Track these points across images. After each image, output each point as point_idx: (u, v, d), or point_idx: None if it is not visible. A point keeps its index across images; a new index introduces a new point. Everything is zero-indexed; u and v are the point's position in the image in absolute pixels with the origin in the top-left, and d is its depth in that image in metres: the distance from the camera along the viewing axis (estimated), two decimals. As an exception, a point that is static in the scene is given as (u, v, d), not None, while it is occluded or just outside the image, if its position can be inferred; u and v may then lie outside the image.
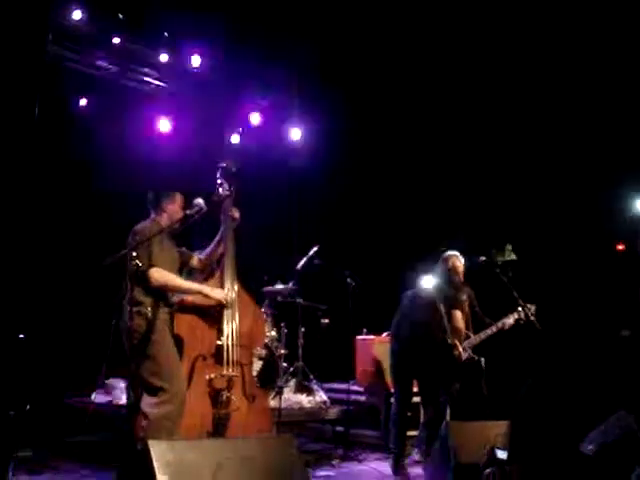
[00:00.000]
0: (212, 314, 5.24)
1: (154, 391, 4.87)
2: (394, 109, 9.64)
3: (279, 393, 7.23)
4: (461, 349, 6.63)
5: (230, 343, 5.19)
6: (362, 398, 8.26)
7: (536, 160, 8.51)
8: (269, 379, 7.65)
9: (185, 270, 5.84)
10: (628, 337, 7.58)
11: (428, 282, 6.82)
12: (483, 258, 6.89)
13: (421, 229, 9.13)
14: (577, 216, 8.19)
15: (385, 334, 7.97)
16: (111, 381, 7.20)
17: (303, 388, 8.18)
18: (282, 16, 9.61)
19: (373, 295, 7.85)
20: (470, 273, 7.03)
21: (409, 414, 6.80)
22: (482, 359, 6.75)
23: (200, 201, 5.31)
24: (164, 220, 5.36)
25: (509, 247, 7.13)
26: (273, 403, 7.34)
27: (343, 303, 7.57)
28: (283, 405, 7.22)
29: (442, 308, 6.57)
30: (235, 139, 10.21)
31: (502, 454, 3.72)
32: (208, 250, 5.62)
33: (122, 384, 6.93)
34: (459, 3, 8.68)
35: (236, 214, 5.73)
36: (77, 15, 8.08)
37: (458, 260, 6.87)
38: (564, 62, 8.27)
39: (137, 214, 5.43)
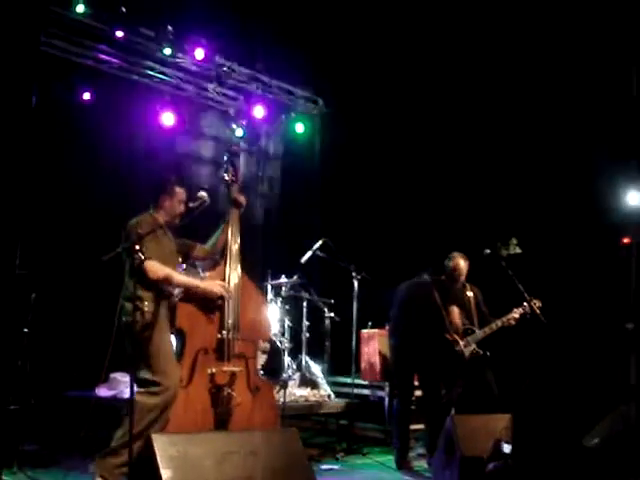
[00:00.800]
0: (214, 306, 5.17)
1: (145, 383, 4.82)
2: (401, 101, 9.61)
3: (283, 387, 7.22)
4: (462, 345, 6.62)
5: (232, 337, 5.13)
6: (366, 392, 8.25)
7: (541, 154, 8.48)
8: (273, 373, 7.63)
9: (189, 262, 5.83)
10: (632, 330, 7.55)
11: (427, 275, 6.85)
12: (488, 251, 6.88)
13: (426, 222, 9.10)
14: (582, 209, 8.16)
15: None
16: (115, 375, 7.19)
17: (307, 382, 8.18)
18: (285, 9, 9.60)
19: (378, 289, 7.82)
20: (476, 267, 7.04)
21: (412, 408, 6.80)
22: (487, 353, 6.74)
23: (204, 194, 5.29)
24: (161, 216, 5.26)
25: (514, 241, 7.10)
26: (277, 397, 7.34)
27: (348, 297, 7.55)
28: (287, 399, 7.23)
29: (439, 299, 6.57)
30: (239, 132, 10.21)
31: (507, 448, 3.71)
32: (214, 239, 5.52)
33: (126, 378, 6.92)
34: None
35: (242, 199, 5.60)
36: (80, 9, 8.07)
37: (462, 260, 6.87)
38: (564, 57, 8.24)
39: (141, 208, 5.40)
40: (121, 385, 7.13)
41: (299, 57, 9.92)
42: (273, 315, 8.06)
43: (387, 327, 7.37)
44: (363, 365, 8.32)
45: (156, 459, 3.94)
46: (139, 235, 4.77)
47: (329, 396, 8.03)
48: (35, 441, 6.48)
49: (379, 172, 9.89)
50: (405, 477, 6.27)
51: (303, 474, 4.43)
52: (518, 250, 7.01)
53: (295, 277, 8.33)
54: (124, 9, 8.39)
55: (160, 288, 5.01)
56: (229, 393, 4.97)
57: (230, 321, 5.15)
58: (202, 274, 5.71)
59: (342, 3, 9.55)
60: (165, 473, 3.91)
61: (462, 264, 6.84)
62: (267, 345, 7.67)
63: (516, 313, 6.80)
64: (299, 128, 10.68)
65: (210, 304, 5.15)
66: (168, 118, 9.40)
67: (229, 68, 9.70)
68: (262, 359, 7.61)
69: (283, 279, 8.33)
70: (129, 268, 4.93)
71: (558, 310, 6.98)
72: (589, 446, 4.75)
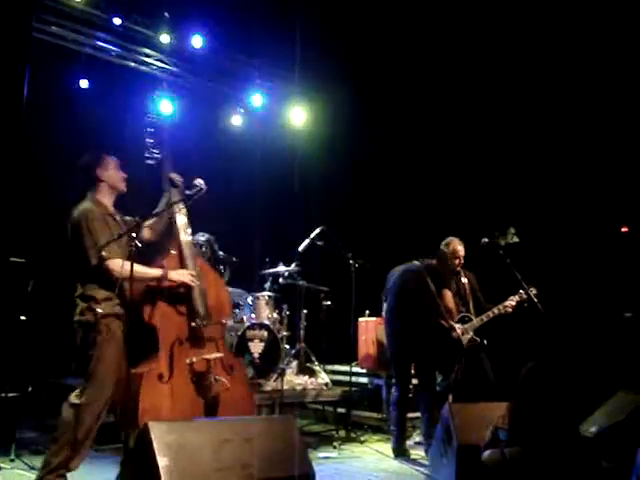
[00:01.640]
0: (180, 295, 5.06)
1: (81, 389, 4.68)
2: (399, 92, 9.60)
3: (281, 375, 7.23)
4: (459, 331, 6.62)
5: (205, 323, 5.05)
6: (364, 380, 8.28)
7: (539, 142, 8.47)
8: (271, 361, 7.64)
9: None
10: (630, 319, 7.56)
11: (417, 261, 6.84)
12: (486, 240, 6.87)
13: (424, 211, 9.10)
14: (581, 198, 8.16)
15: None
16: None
17: (305, 370, 8.19)
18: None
19: (375, 277, 7.81)
20: (473, 256, 7.03)
21: (410, 396, 6.81)
22: (485, 341, 6.75)
23: (200, 181, 5.22)
24: (104, 192, 4.96)
25: (512, 230, 7.09)
26: (275, 385, 7.35)
27: (345, 285, 7.55)
28: (285, 387, 7.24)
29: (432, 286, 6.54)
30: (236, 120, 10.19)
31: (504, 435, 3.71)
32: (151, 220, 5.17)
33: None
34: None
35: (177, 178, 5.31)
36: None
37: (460, 245, 6.87)
38: (563, 49, 8.23)
39: (140, 197, 5.36)
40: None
41: (297, 44, 9.90)
42: (270, 303, 8.06)
43: (383, 311, 7.35)
44: (360, 353, 8.33)
45: (153, 447, 3.94)
46: (90, 230, 4.64)
47: (326, 384, 8.04)
48: (33, 428, 6.49)
49: (377, 160, 9.87)
50: (402, 465, 6.28)
51: (300, 461, 4.42)
52: (516, 239, 7.01)
53: (293, 265, 8.32)
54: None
55: (115, 289, 4.71)
56: (215, 379, 4.94)
57: (202, 308, 5.06)
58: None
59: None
60: (162, 461, 3.90)
61: (459, 248, 6.84)
62: (265, 333, 7.67)
63: (513, 300, 6.80)
64: (297, 116, 10.64)
65: (175, 294, 5.02)
66: (166, 106, 9.37)
67: (227, 56, 9.67)
68: (260, 347, 7.61)
69: (281, 267, 8.33)
70: (83, 265, 4.70)
71: (556, 298, 6.98)
72: (587, 434, 4.76)
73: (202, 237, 7.81)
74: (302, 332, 8.37)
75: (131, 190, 5.16)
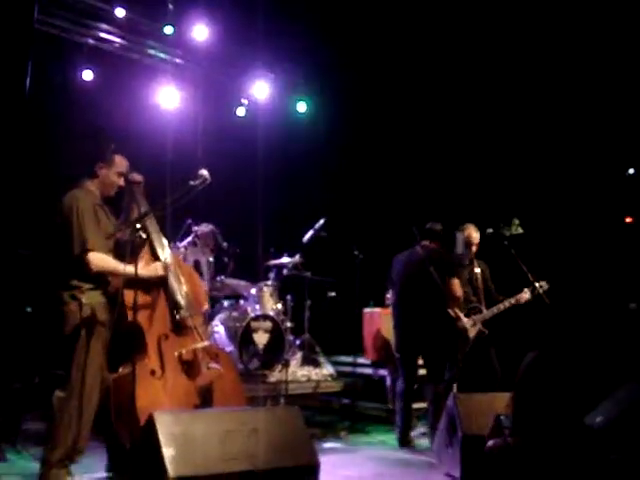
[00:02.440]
0: (159, 289, 5.03)
1: (65, 381, 4.68)
2: (403, 83, 9.58)
3: (285, 366, 7.24)
4: (465, 320, 6.61)
5: (187, 314, 5.03)
6: (369, 371, 8.28)
7: (543, 133, 8.46)
8: (276, 352, 7.65)
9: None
10: (635, 310, 7.56)
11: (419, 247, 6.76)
12: (490, 230, 6.87)
13: (429, 202, 9.09)
14: (585, 189, 8.15)
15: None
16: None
17: (310, 361, 8.20)
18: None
19: (380, 268, 7.81)
20: (479, 247, 7.03)
21: (415, 387, 6.81)
22: (486, 331, 6.75)
23: (204, 172, 5.19)
24: (96, 185, 4.95)
25: (516, 221, 7.10)
26: (280, 376, 7.36)
27: (350, 276, 7.55)
28: (290, 378, 7.25)
29: (434, 271, 6.47)
30: (240, 112, 10.17)
31: (506, 422, 3.71)
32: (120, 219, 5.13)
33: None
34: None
35: (137, 177, 5.19)
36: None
37: (475, 232, 6.85)
38: (568, 42, 8.22)
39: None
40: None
41: (301, 35, 9.86)
42: (275, 294, 8.07)
43: (388, 296, 7.32)
44: (365, 344, 8.33)
45: (158, 437, 3.95)
46: (79, 220, 4.64)
47: (331, 375, 8.06)
48: (38, 419, 6.50)
49: (382, 150, 9.87)
50: (407, 455, 6.30)
51: (305, 452, 4.43)
52: (520, 230, 7.01)
53: (297, 257, 8.32)
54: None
55: (100, 279, 4.75)
56: (210, 367, 4.94)
57: (182, 301, 5.04)
58: None
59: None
60: (167, 451, 3.91)
61: (475, 235, 6.82)
62: (269, 324, 7.68)
63: (527, 293, 6.76)
64: (301, 107, 10.64)
65: (153, 288, 4.98)
66: (170, 97, 9.38)
67: (231, 47, 9.65)
68: (265, 338, 7.62)
69: (285, 259, 8.33)
70: (66, 254, 4.70)
71: (561, 290, 6.97)
72: (593, 425, 4.75)
73: (206, 228, 7.82)
74: (306, 323, 8.38)
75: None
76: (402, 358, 6.80)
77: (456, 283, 6.57)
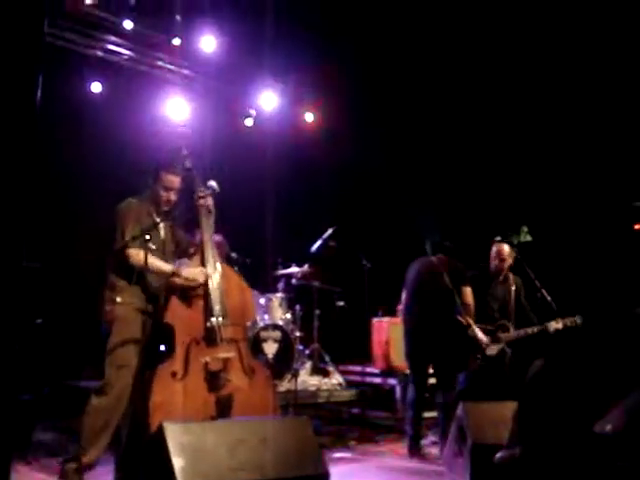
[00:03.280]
0: (198, 296, 5.09)
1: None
2: (411, 92, 9.60)
3: (295, 375, 7.24)
4: (477, 330, 6.56)
5: (221, 323, 5.04)
6: (378, 380, 8.28)
7: (552, 141, 8.46)
8: (285, 362, 7.66)
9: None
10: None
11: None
12: (499, 238, 6.85)
13: (437, 210, 9.09)
14: (593, 196, 8.14)
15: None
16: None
17: (319, 370, 8.21)
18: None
19: (389, 277, 7.82)
20: (486, 254, 7.01)
21: (426, 395, 6.78)
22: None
23: (213, 183, 5.26)
24: (150, 200, 5.20)
25: (525, 229, 7.07)
26: (289, 385, 7.37)
27: (359, 285, 7.55)
28: (299, 387, 7.25)
29: (447, 278, 6.45)
30: (249, 122, 10.21)
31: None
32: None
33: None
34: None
35: (202, 201, 5.32)
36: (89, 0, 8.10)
37: (505, 246, 6.82)
38: (579, 46, 8.22)
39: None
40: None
41: (308, 45, 9.91)
42: (283, 304, 8.09)
43: (399, 306, 7.30)
44: (374, 353, 8.33)
45: (167, 448, 3.95)
46: (122, 219, 4.92)
47: (340, 384, 8.06)
48: (49, 430, 6.53)
49: (390, 158, 9.87)
50: (417, 465, 6.27)
51: (315, 461, 4.43)
52: (529, 238, 6.98)
53: (305, 266, 8.34)
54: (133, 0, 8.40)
55: (140, 278, 4.88)
56: (226, 379, 4.95)
57: (217, 307, 5.05)
58: (177, 263, 5.60)
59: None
60: (177, 462, 3.92)
61: (502, 250, 6.79)
62: (278, 334, 7.70)
63: (559, 323, 6.65)
64: (308, 116, 10.68)
65: (192, 293, 5.06)
66: (177, 109, 9.43)
67: (238, 57, 9.70)
68: (274, 348, 7.63)
69: (294, 268, 8.35)
70: (111, 252, 4.95)
71: (569, 296, 6.95)
72: (601, 432, 4.74)
73: (215, 238, 7.84)
74: (315, 332, 8.39)
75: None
76: (412, 365, 6.77)
77: (468, 291, 6.53)
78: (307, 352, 8.26)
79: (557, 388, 3.55)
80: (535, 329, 6.66)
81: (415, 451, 6.55)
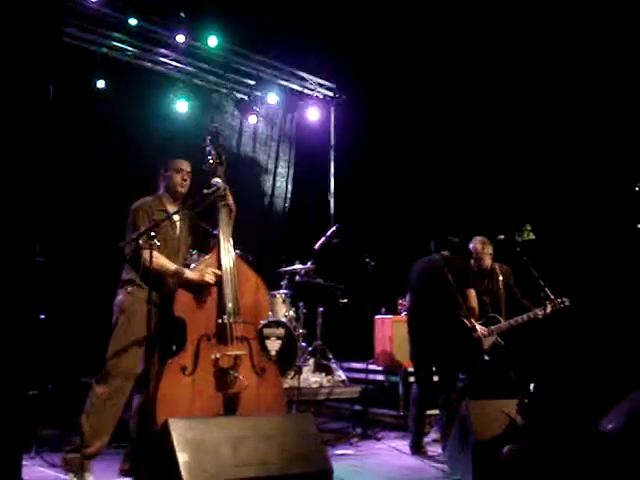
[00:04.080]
0: (212, 292, 5.13)
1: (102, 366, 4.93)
2: (418, 89, 9.61)
3: (298, 372, 7.26)
4: (480, 330, 6.57)
5: (233, 320, 5.08)
6: (380, 377, 8.28)
7: (556, 139, 8.46)
8: (288, 359, 7.67)
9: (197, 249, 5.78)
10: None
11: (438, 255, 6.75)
12: (502, 237, 6.85)
13: (440, 208, 9.10)
14: (598, 194, 8.14)
15: (403, 313, 8.00)
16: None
17: (322, 367, 8.22)
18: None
19: (392, 274, 7.84)
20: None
21: (429, 394, 6.79)
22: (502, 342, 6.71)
23: (218, 180, 5.28)
24: (164, 196, 5.32)
25: (528, 227, 7.08)
26: (292, 382, 7.38)
27: (362, 282, 7.56)
28: (302, 384, 7.27)
29: (451, 278, 6.45)
30: (252, 120, 10.22)
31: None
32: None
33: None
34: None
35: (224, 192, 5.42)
36: (94, -4, 8.11)
37: (479, 244, 6.86)
38: (581, 45, 8.22)
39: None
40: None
41: (313, 43, 9.92)
42: (287, 301, 8.10)
43: (401, 302, 7.30)
44: (377, 350, 8.34)
45: (172, 443, 3.98)
46: (135, 218, 5.05)
47: (343, 381, 8.07)
48: (53, 426, 6.54)
49: (393, 157, 9.89)
50: (420, 462, 6.29)
51: (318, 458, 4.45)
52: (532, 236, 6.98)
53: (309, 263, 8.35)
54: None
55: (154, 275, 4.88)
56: (235, 376, 4.96)
57: (230, 305, 5.08)
58: (196, 257, 5.70)
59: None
60: (182, 457, 3.94)
61: (479, 247, 6.83)
62: (282, 331, 7.71)
63: (547, 309, 6.69)
64: (313, 114, 10.69)
65: (206, 290, 5.11)
66: (182, 106, 9.46)
67: (243, 55, 9.70)
68: (277, 345, 7.65)
69: (297, 265, 8.36)
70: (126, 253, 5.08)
71: (574, 295, 6.95)
72: (605, 431, 4.75)
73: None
74: (319, 330, 8.40)
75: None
76: (416, 364, 6.79)
77: (472, 294, 6.55)
78: (310, 349, 8.27)
79: (564, 385, 3.57)
80: (525, 317, 6.70)
81: (418, 448, 6.56)
